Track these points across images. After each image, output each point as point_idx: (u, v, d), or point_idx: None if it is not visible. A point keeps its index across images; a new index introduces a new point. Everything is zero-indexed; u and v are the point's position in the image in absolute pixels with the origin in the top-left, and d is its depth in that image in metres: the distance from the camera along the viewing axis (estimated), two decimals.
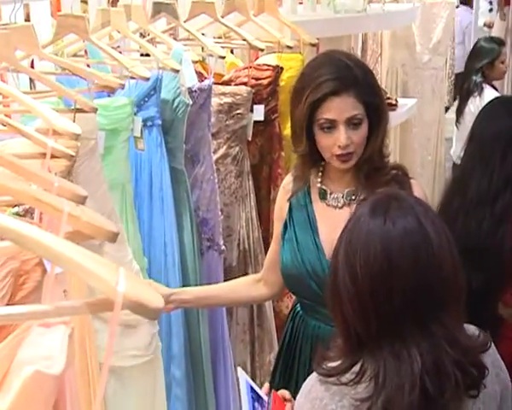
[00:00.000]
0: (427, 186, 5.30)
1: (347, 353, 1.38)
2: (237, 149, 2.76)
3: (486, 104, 2.44)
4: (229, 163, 2.76)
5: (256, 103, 2.78)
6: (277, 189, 2.29)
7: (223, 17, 2.86)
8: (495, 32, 7.58)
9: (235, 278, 2.75)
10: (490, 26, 8.30)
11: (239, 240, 2.84)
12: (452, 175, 2.38)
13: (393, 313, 1.32)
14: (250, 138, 2.79)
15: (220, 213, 2.65)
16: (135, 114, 2.17)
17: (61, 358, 0.72)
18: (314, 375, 1.41)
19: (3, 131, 1.53)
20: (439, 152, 5.50)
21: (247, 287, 2.19)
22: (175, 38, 2.82)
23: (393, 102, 4.27)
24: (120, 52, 2.40)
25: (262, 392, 1.62)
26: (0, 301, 1.13)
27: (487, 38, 5.21)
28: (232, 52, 3.26)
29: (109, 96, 2.11)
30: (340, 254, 1.39)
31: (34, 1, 2.51)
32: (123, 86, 1.99)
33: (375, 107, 1.89)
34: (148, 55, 2.60)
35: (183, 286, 2.36)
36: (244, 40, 2.77)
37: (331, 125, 1.85)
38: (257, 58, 3.08)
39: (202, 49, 2.82)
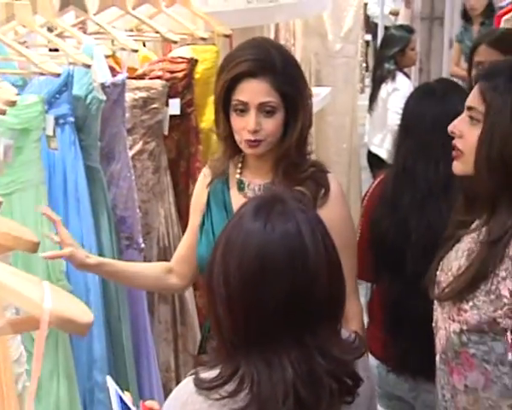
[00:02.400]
0: (343, 174, 5.35)
1: (225, 358, 1.34)
2: (153, 144, 2.70)
3: (412, 95, 2.42)
4: (145, 159, 2.69)
5: (171, 97, 2.72)
6: (196, 183, 2.25)
7: (133, 9, 2.80)
8: (400, 20, 7.74)
9: None
10: (395, 14, 8.49)
11: (158, 237, 2.78)
12: (391, 171, 2.35)
13: (263, 321, 1.29)
14: (166, 133, 2.73)
15: (138, 210, 2.59)
16: (46, 111, 2.09)
17: None
18: (191, 384, 1.35)
19: None
20: (353, 139, 5.56)
21: (160, 272, 2.15)
22: (84, 32, 2.74)
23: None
24: (27, 47, 2.32)
25: (130, 403, 1.57)
26: None
27: (397, 26, 5.32)
28: (144, 45, 3.19)
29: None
30: (218, 252, 1.34)
31: None
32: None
33: (292, 99, 1.87)
34: (56, 50, 2.52)
35: (104, 288, 2.31)
36: (157, 33, 2.71)
37: (244, 109, 1.85)
38: (170, 51, 3.02)
39: (112, 42, 2.75)
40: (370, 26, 9.23)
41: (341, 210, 1.94)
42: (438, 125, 2.20)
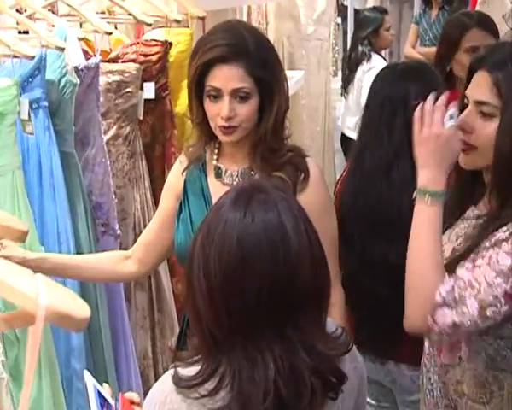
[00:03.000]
0: (317, 157, 5.34)
1: (206, 354, 1.30)
2: (128, 128, 2.65)
3: (378, 75, 2.41)
4: (120, 144, 2.65)
5: (146, 81, 2.68)
6: (171, 168, 2.21)
7: None
8: (370, 3, 7.75)
9: None
10: None
11: (134, 223, 2.75)
12: (354, 151, 2.36)
13: (246, 313, 1.25)
14: (141, 117, 2.69)
15: (114, 196, 2.54)
16: (19, 95, 2.04)
17: None
18: (169, 382, 1.31)
19: None
20: (327, 123, 5.55)
21: (112, 262, 2.08)
22: (54, 14, 2.67)
23: None
24: None
25: (109, 396, 1.53)
26: None
27: (370, 8, 5.31)
28: (116, 27, 3.13)
29: None
30: (197, 244, 1.30)
31: None
32: None
33: (267, 84, 1.83)
34: (26, 32, 2.45)
35: None
36: (130, 15, 2.65)
37: (217, 95, 1.81)
38: (142, 34, 2.97)
39: (81, 25, 2.69)
40: (340, 8, 9.22)
41: (322, 195, 1.91)
42: (384, 105, 2.20)
